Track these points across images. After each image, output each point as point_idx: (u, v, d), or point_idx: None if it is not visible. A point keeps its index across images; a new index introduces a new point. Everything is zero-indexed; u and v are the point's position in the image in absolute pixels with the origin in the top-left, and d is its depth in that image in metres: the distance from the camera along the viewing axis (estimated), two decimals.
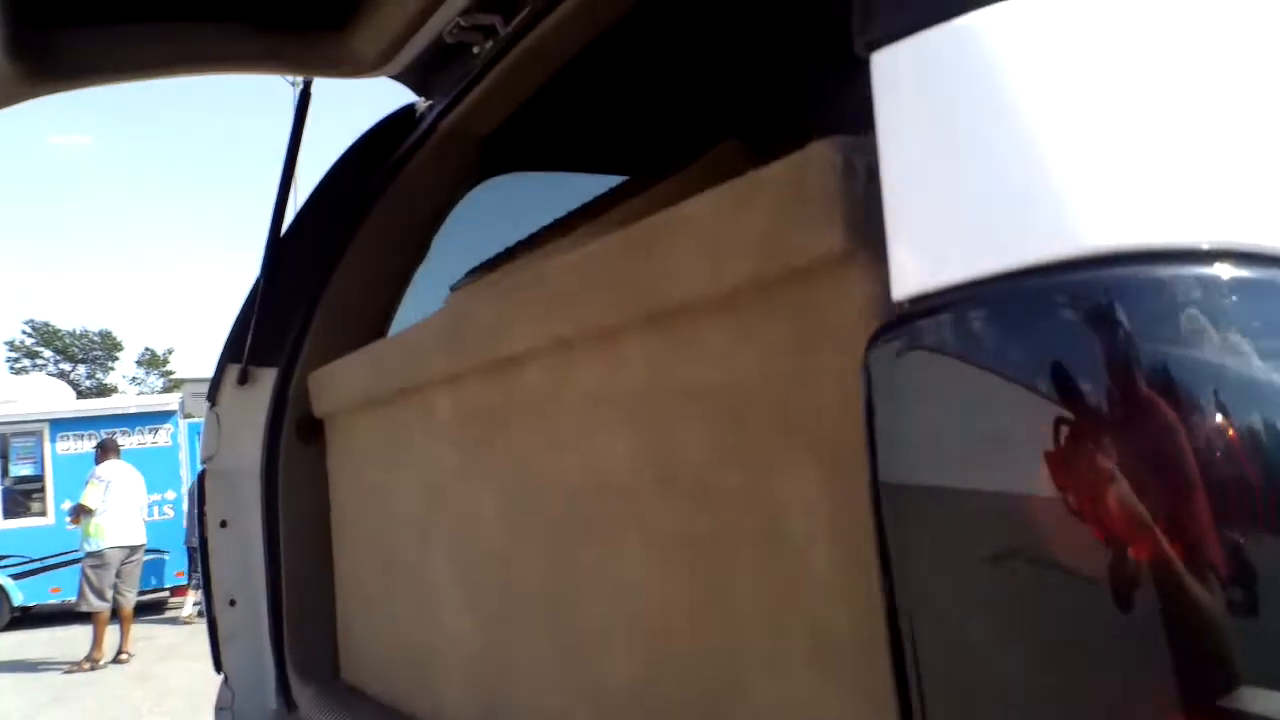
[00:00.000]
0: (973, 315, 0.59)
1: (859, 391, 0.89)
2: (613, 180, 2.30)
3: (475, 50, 2.13)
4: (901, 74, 0.69)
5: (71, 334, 38.84)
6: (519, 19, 1.93)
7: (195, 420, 12.87)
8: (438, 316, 1.62)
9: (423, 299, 2.45)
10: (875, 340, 0.66)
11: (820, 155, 0.88)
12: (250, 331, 2.30)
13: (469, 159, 2.34)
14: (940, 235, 0.63)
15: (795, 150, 0.93)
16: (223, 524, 2.28)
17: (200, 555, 2.34)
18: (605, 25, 1.86)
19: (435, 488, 1.66)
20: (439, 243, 2.46)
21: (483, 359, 1.45)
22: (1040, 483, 0.55)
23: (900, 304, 0.65)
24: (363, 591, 2.03)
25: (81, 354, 39.27)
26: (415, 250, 2.38)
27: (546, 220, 1.86)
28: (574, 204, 1.86)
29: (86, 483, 9.23)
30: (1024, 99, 0.60)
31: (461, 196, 2.44)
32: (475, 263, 1.97)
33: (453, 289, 1.71)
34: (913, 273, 0.64)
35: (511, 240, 1.89)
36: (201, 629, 2.58)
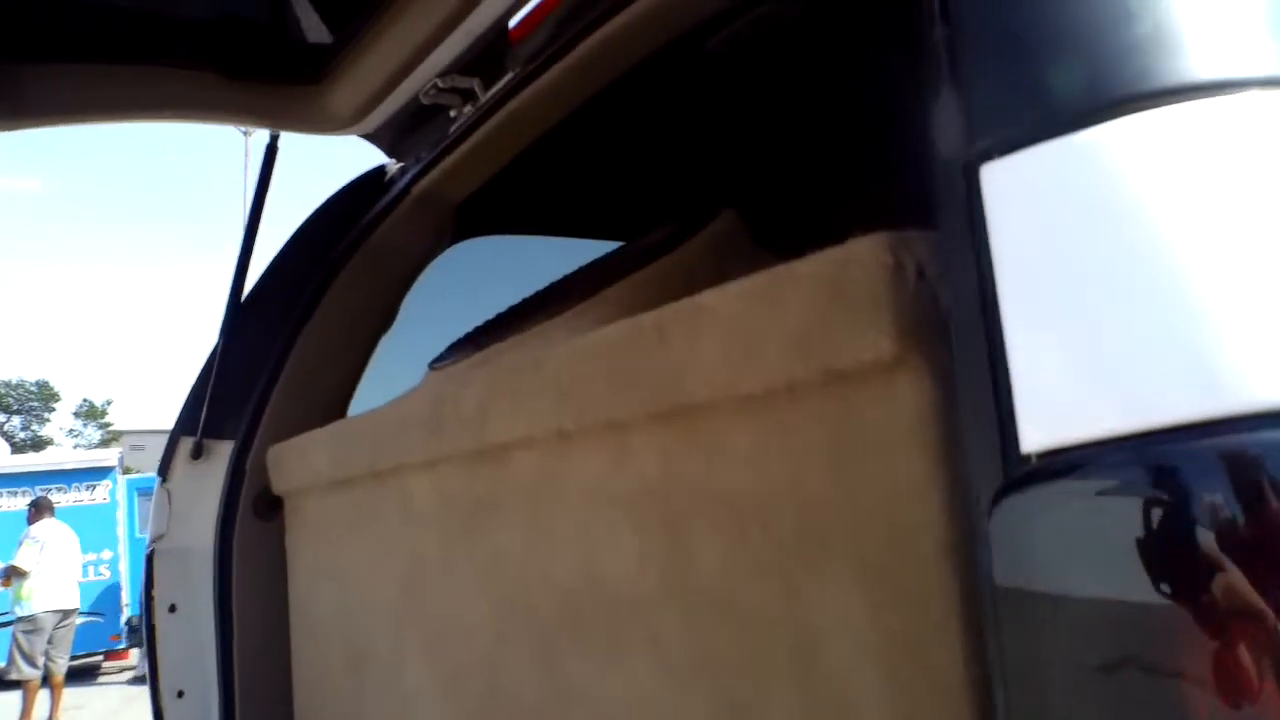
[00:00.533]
0: (1115, 473, 0.51)
1: (908, 510, 0.81)
2: (595, 245, 2.23)
3: (452, 113, 2.05)
4: (1024, 193, 0.61)
5: (7, 384, 37.67)
6: (502, 85, 1.85)
7: (134, 476, 12.44)
8: (417, 396, 1.51)
9: (388, 365, 2.35)
10: (1001, 496, 0.57)
11: (867, 253, 0.80)
12: (206, 402, 2.16)
13: (442, 224, 2.25)
14: (1080, 383, 0.55)
15: (819, 241, 0.87)
16: (171, 608, 2.12)
17: (146, 642, 2.18)
18: (592, 92, 1.79)
19: (412, 580, 1.54)
20: (407, 306, 2.36)
21: (469, 445, 1.35)
22: (1192, 667, 0.47)
23: (1028, 458, 0.56)
24: (325, 688, 1.89)
25: (17, 404, 38.10)
26: (382, 318, 2.28)
27: (523, 286, 1.78)
28: (551, 267, 1.78)
29: (19, 543, 8.83)
30: (1177, 226, 0.53)
31: (432, 260, 2.34)
32: (446, 328, 1.87)
33: (433, 366, 1.61)
34: (1045, 423, 0.56)
35: (486, 306, 1.80)
36: (137, 696, 2.39)
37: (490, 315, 1.77)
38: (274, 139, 2.25)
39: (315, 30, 2.02)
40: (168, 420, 2.31)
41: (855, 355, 0.82)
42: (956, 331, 0.65)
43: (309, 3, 1.95)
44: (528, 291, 1.76)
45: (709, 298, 0.96)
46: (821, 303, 0.84)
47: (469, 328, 1.76)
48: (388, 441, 1.56)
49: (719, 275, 1.43)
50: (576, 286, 1.51)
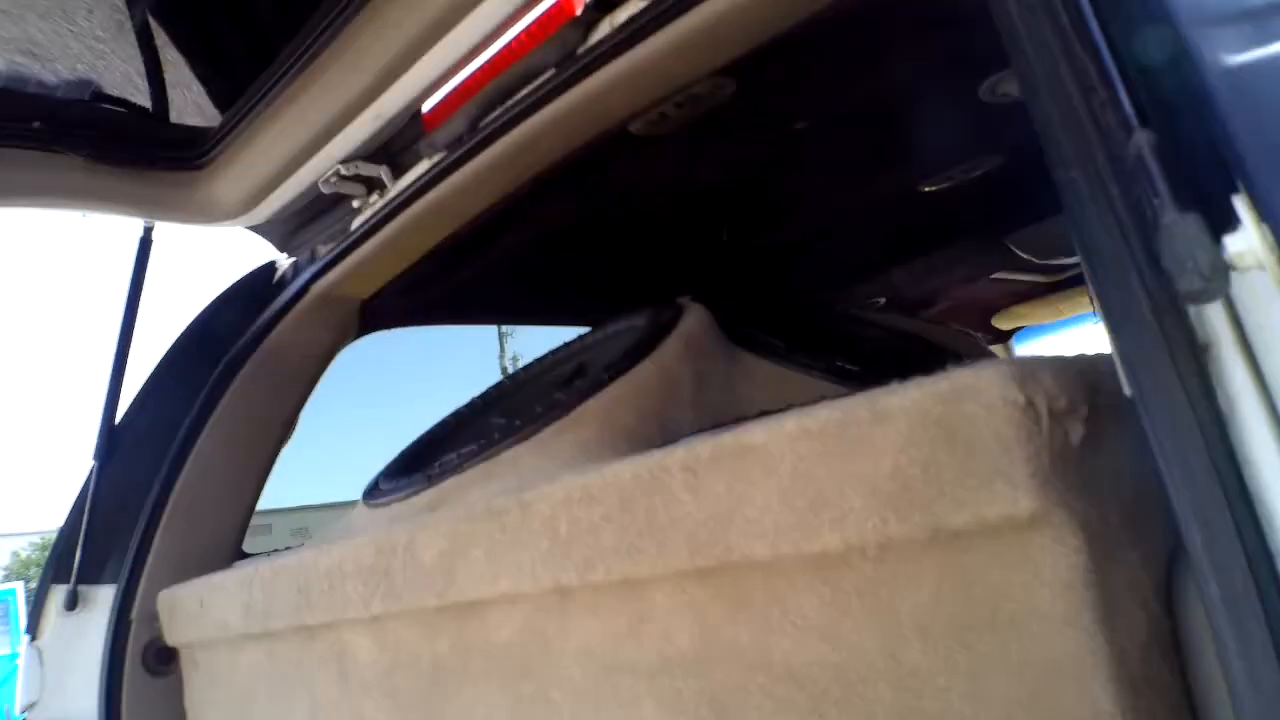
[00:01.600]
0: None
1: (1054, 693, 0.65)
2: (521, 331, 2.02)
3: (356, 204, 1.84)
4: None
5: None
6: (416, 175, 1.65)
7: None
8: (354, 542, 1.27)
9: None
10: None
11: (988, 387, 0.65)
12: (80, 542, 1.84)
13: (346, 323, 2.01)
14: None
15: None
16: None
17: None
18: (518, 183, 1.61)
19: None
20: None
21: (429, 601, 1.13)
22: None
23: None
24: None
25: None
26: (282, 428, 2.01)
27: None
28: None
29: None
30: None
31: (334, 359, 2.09)
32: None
33: (368, 501, 1.37)
34: None
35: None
36: None
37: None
38: (148, 231, 1.98)
39: (202, 110, 1.78)
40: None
41: (975, 510, 0.66)
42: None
43: (196, 79, 1.71)
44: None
45: (757, 436, 0.79)
46: (925, 446, 0.68)
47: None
48: (318, 593, 1.31)
49: (697, 378, 1.28)
50: (539, 397, 1.32)
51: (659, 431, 1.13)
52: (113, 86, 1.80)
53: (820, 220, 2.42)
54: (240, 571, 1.54)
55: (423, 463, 1.39)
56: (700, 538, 0.83)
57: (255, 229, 2.03)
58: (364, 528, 1.31)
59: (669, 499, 0.85)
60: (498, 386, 1.56)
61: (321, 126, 1.68)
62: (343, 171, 1.74)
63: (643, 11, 1.25)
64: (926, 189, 2.34)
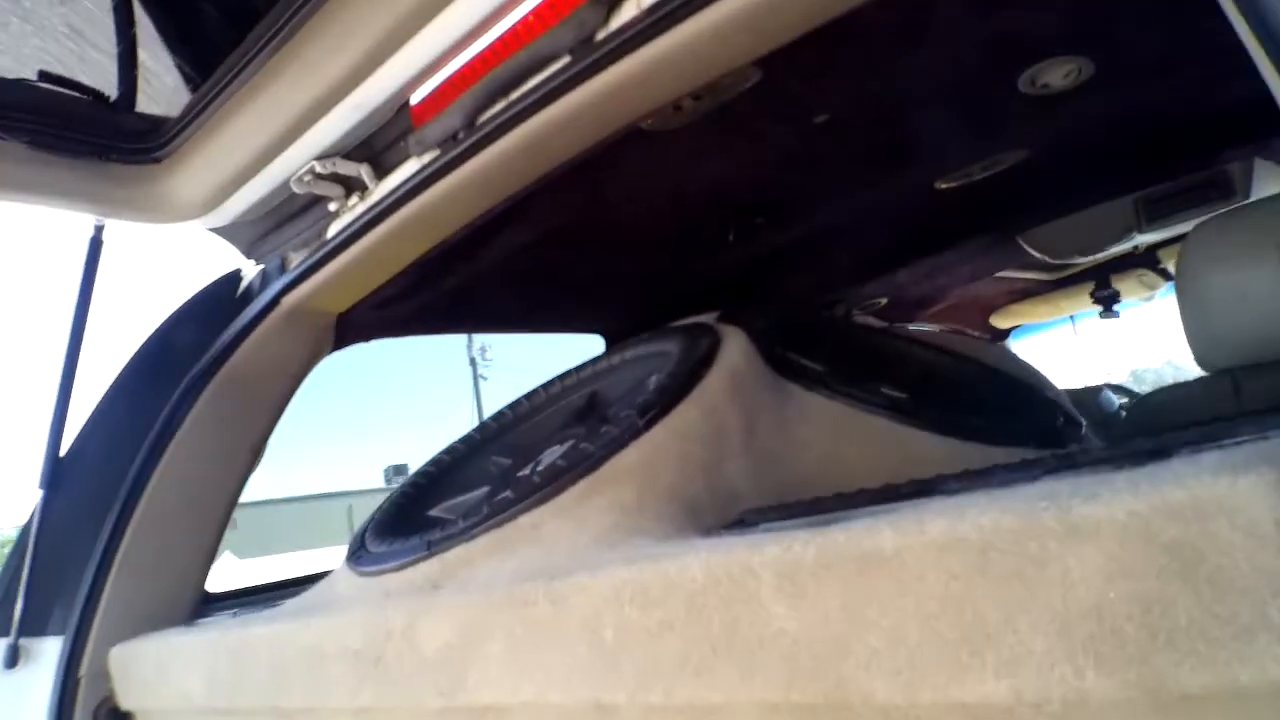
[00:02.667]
0: None
1: None
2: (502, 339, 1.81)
3: (333, 206, 1.62)
4: None
5: None
6: (404, 177, 1.44)
7: None
8: (339, 617, 1.06)
9: None
10: None
11: (1248, 504, 0.46)
12: (22, 589, 1.62)
13: (321, 338, 1.79)
14: None
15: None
16: None
17: None
18: (519, 188, 1.41)
19: None
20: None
21: (428, 700, 0.92)
22: None
23: None
24: None
25: None
26: (250, 454, 1.79)
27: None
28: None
29: None
30: None
31: (307, 376, 1.87)
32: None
33: (354, 565, 1.15)
34: None
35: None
36: None
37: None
38: (99, 230, 1.75)
39: (167, 95, 1.55)
40: None
41: (1221, 670, 0.47)
42: None
43: (166, 52, 1.49)
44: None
45: (886, 541, 0.59)
46: (1146, 578, 0.50)
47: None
48: (295, 673, 1.10)
49: (747, 419, 1.09)
50: (553, 438, 1.13)
51: (706, 489, 0.94)
52: (72, 69, 1.57)
53: (830, 219, 2.24)
54: (204, 635, 1.33)
55: (418, 519, 1.18)
56: (801, 664, 0.64)
57: (219, 232, 1.80)
58: (350, 600, 1.10)
59: (757, 611, 0.66)
60: (497, 418, 1.36)
61: (294, 117, 1.46)
62: (318, 169, 1.52)
63: None
64: (943, 186, 2.16)
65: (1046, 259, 2.63)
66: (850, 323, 1.45)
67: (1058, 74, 1.67)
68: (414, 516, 1.20)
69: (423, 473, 1.28)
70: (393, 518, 1.19)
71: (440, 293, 1.86)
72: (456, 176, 1.37)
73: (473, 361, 24.64)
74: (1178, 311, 1.64)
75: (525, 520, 0.94)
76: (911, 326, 3.23)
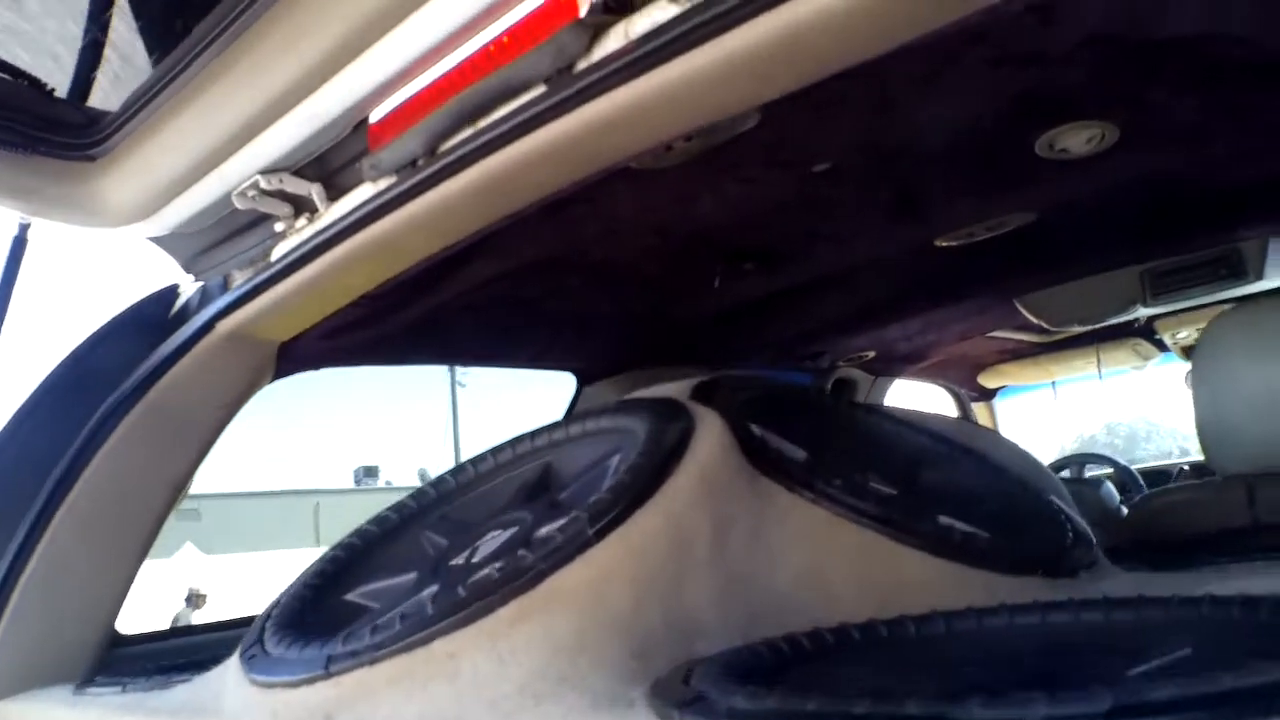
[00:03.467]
0: None
1: None
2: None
3: (280, 227, 1.45)
4: None
5: None
6: (357, 203, 1.28)
7: None
8: None
9: None
10: None
11: None
12: None
13: (261, 366, 1.62)
14: None
15: None
16: None
17: None
18: (486, 223, 1.25)
19: None
20: None
21: None
22: None
23: None
24: None
25: None
26: (173, 490, 1.61)
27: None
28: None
29: None
30: None
31: (244, 405, 1.70)
32: None
33: (244, 664, 0.96)
34: None
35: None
36: None
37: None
38: (24, 229, 1.57)
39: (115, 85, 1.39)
40: None
41: None
42: None
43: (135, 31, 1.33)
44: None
45: None
46: None
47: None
48: None
49: (717, 528, 0.92)
50: (493, 522, 0.97)
51: (662, 621, 0.77)
52: (15, 54, 1.41)
53: (823, 269, 2.10)
54: (82, 713, 1.15)
55: (333, 605, 1.01)
56: None
57: (158, 242, 1.63)
58: (236, 712, 0.93)
59: None
60: (437, 485, 1.19)
61: (238, 124, 1.30)
62: (263, 184, 1.36)
63: (672, 22, 0.89)
64: (943, 243, 2.03)
65: (1043, 325, 2.50)
66: (838, 399, 1.30)
67: (1079, 139, 1.54)
68: (329, 601, 1.04)
69: (346, 545, 1.11)
70: (303, 604, 1.02)
71: (396, 325, 1.69)
72: (415, 207, 1.21)
73: (453, 385, 24.38)
74: (1192, 408, 1.50)
75: (440, 647, 0.77)
76: (899, 380, 3.10)
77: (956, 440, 1.30)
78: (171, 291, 1.64)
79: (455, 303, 1.77)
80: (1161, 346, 3.10)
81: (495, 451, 1.20)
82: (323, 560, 1.10)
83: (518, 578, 0.78)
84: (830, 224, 1.85)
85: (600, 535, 0.80)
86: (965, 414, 3.45)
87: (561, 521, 0.95)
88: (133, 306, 1.62)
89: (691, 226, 1.80)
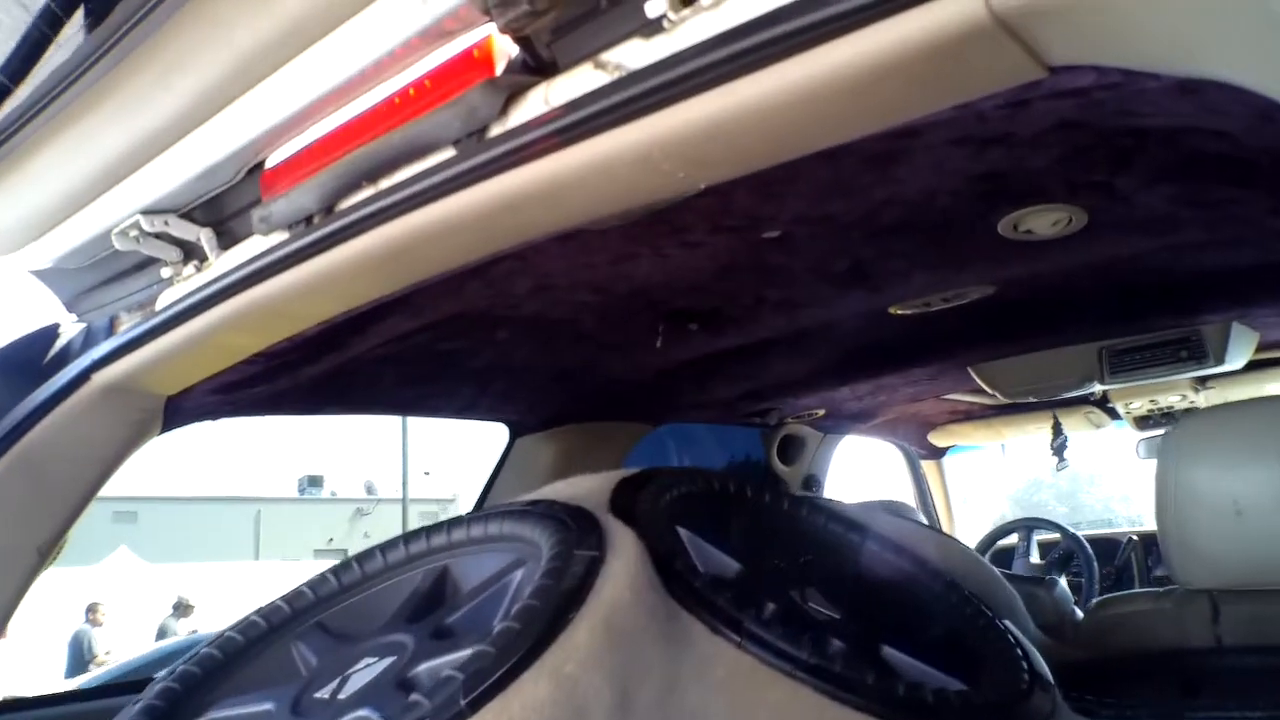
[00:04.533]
0: None
1: None
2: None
3: (166, 273, 1.30)
4: None
5: None
6: (253, 255, 1.13)
7: None
8: None
9: None
10: None
11: None
12: None
13: (144, 420, 1.46)
14: None
15: None
16: None
17: None
18: (397, 286, 1.11)
19: None
20: None
21: None
22: None
23: None
24: None
25: None
26: (39, 555, 1.44)
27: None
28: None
29: None
30: None
31: (126, 459, 1.53)
32: None
33: None
34: None
35: None
36: None
37: None
38: None
39: None
40: None
41: None
42: None
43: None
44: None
45: None
46: None
47: None
48: None
49: (621, 695, 0.78)
50: (377, 655, 0.82)
51: None
52: None
53: (772, 332, 1.98)
54: None
55: None
56: None
57: (40, 277, 1.46)
58: None
59: None
60: (317, 586, 1.04)
61: (114, 156, 1.14)
62: (144, 225, 1.20)
63: (598, 92, 0.76)
64: (897, 311, 1.92)
65: (996, 395, 2.41)
66: (777, 499, 1.17)
67: (1045, 222, 1.44)
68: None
69: (202, 659, 0.96)
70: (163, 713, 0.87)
71: (301, 379, 1.54)
72: (309, 269, 1.07)
73: None
74: (1155, 517, 1.40)
75: None
76: (848, 437, 3.00)
77: (905, 547, 1.18)
78: (50, 333, 1.47)
79: (369, 358, 1.63)
80: (1114, 415, 3.03)
81: (386, 549, 1.05)
82: (173, 676, 0.95)
83: None
84: (780, 289, 1.74)
85: (476, 706, 0.67)
86: (915, 473, 3.36)
87: (440, 661, 0.81)
88: (4, 347, 1.45)
89: (631, 285, 1.67)
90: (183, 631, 9.57)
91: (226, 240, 1.22)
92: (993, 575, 1.25)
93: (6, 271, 1.44)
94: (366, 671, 0.86)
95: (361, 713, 0.77)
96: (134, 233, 1.22)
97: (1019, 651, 1.00)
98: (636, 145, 0.77)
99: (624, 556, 0.83)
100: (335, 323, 1.28)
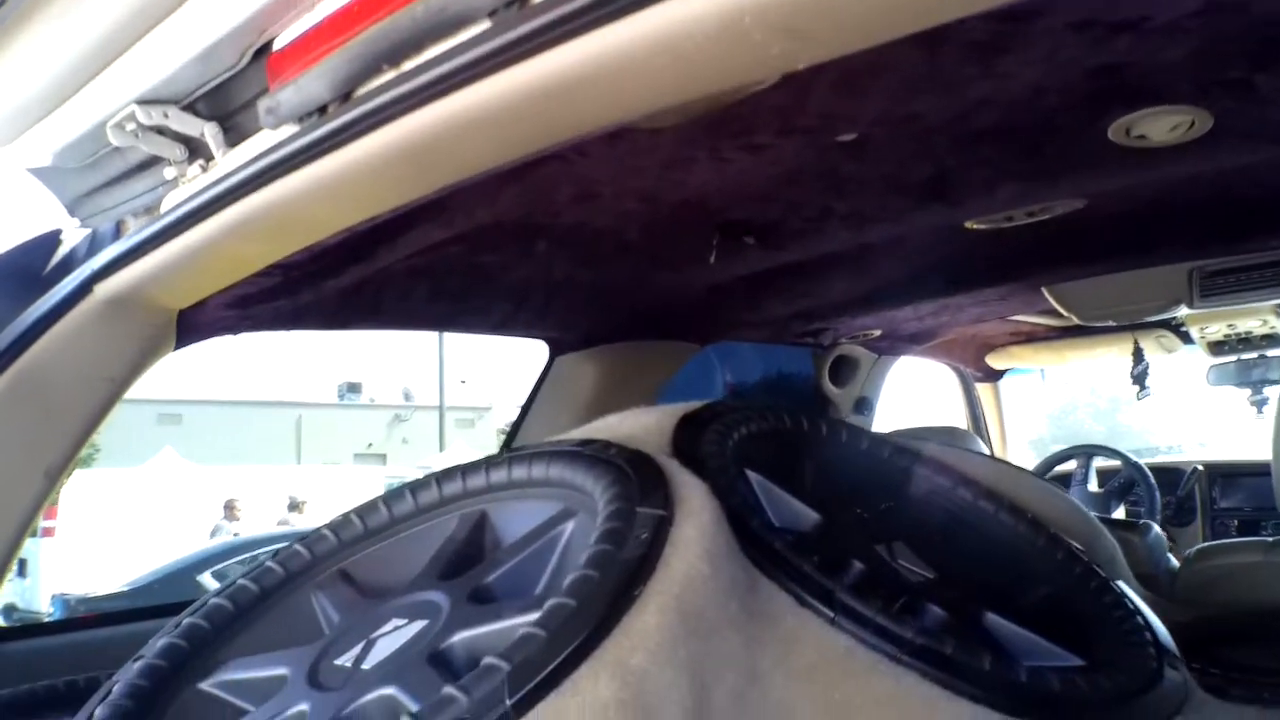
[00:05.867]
0: None
1: None
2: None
3: (170, 173, 1.16)
4: None
5: None
6: (261, 152, 0.98)
7: None
8: None
9: None
10: None
11: None
12: None
13: (155, 335, 1.33)
14: None
15: None
16: None
17: None
18: (427, 190, 0.96)
19: None
20: None
21: None
22: None
23: None
24: None
25: None
26: (46, 483, 1.33)
27: None
28: None
29: None
30: None
31: (137, 378, 1.42)
32: None
33: None
34: None
35: None
36: None
37: None
38: None
39: None
40: None
41: None
42: None
43: None
44: None
45: None
46: None
47: None
48: None
49: (698, 684, 0.65)
50: (408, 617, 0.71)
51: None
52: None
53: (835, 248, 1.81)
54: None
55: (180, 697, 0.75)
56: None
57: (39, 176, 1.32)
58: None
59: None
60: (339, 529, 0.91)
61: (102, 32, 0.99)
62: (141, 118, 1.06)
63: None
64: (974, 226, 1.74)
65: (1072, 318, 2.23)
66: (851, 440, 1.02)
67: (1163, 126, 1.25)
68: (179, 694, 0.78)
69: (210, 611, 0.85)
70: (146, 692, 0.76)
71: (326, 292, 1.40)
72: (326, 167, 0.92)
73: None
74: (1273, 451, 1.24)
75: None
76: (904, 358, 2.84)
77: (997, 491, 1.04)
78: (50, 240, 1.34)
79: (398, 271, 1.49)
80: (1186, 339, 2.84)
81: (416, 490, 0.92)
82: (176, 631, 0.83)
83: None
84: (848, 201, 1.56)
85: (524, 708, 0.54)
86: (969, 396, 3.20)
87: (479, 632, 0.69)
88: (3, 255, 1.33)
89: (684, 194, 1.51)
90: (232, 533, 9.96)
91: (233, 136, 1.07)
92: (1093, 524, 1.11)
93: (5, 170, 1.30)
94: (395, 636, 0.74)
95: (386, 691, 0.66)
96: (130, 125, 1.07)
97: (1140, 620, 0.86)
98: (725, 9, 0.60)
99: (696, 517, 0.69)
100: (358, 232, 1.14)
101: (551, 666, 0.56)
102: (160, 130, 1.08)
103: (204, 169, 1.10)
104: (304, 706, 0.69)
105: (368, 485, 12.72)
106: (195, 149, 1.12)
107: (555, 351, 2.11)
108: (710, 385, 2.50)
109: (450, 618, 0.73)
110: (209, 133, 1.07)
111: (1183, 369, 3.44)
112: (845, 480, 1.01)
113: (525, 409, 2.10)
